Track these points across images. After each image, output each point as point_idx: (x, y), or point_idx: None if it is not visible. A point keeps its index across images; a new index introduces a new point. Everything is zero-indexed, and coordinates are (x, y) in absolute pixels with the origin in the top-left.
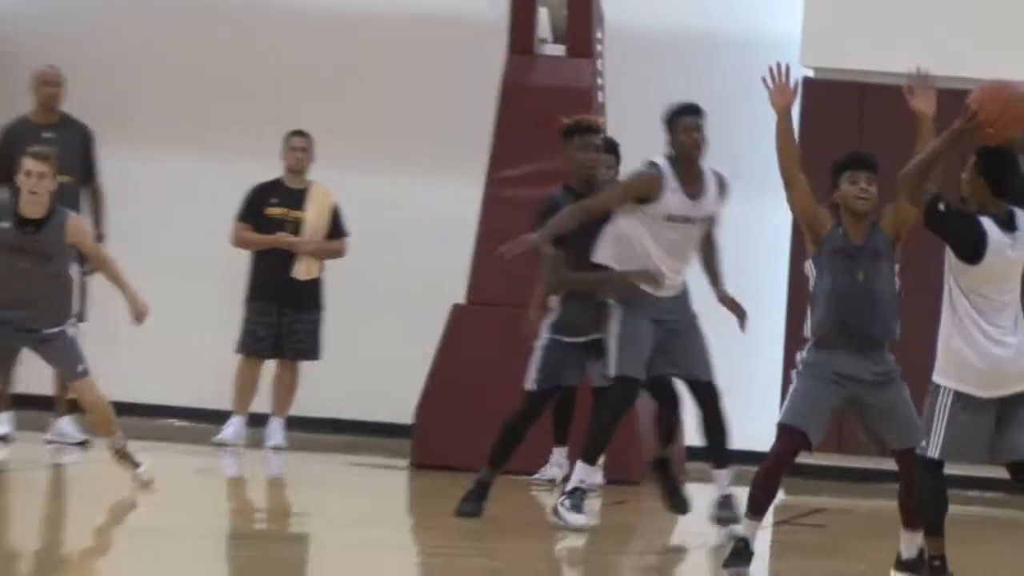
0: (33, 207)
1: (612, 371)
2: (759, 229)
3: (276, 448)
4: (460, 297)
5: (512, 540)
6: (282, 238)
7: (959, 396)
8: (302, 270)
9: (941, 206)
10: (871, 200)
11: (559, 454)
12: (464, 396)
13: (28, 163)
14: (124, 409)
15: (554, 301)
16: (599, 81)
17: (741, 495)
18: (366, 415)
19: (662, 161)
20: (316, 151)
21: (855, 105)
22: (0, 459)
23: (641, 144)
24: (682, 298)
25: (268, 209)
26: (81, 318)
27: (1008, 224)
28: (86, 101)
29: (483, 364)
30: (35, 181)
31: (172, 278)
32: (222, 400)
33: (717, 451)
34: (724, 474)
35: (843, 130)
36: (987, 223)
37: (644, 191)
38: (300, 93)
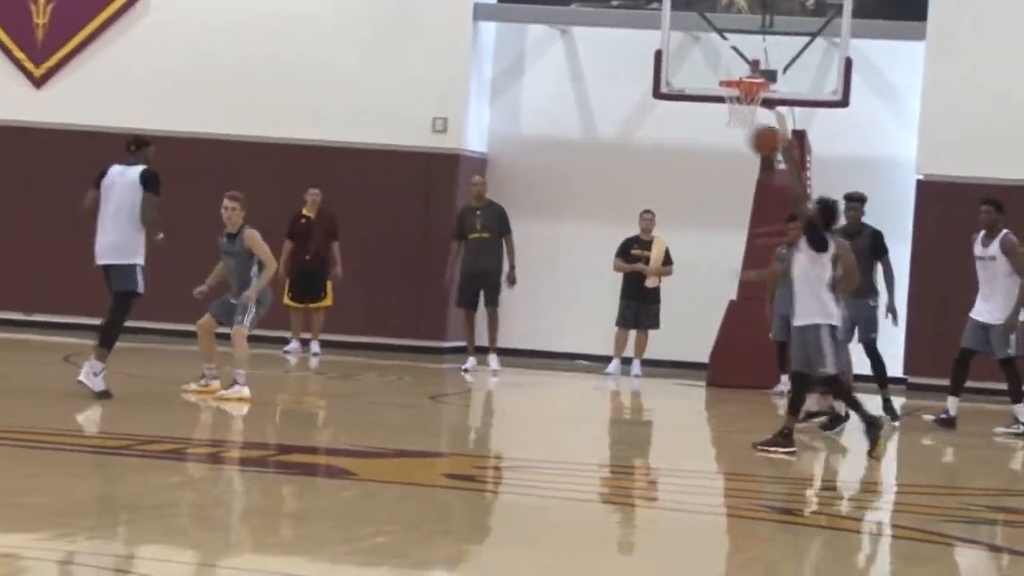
0: None
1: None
2: None
3: (637, 376)
4: (733, 295)
5: None
6: (638, 266)
7: None
8: (649, 282)
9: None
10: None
11: None
12: (737, 347)
13: None
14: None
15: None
16: (809, 183)
17: None
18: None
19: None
20: (660, 222)
21: (956, 200)
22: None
23: None
24: None
25: (632, 251)
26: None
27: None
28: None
29: (743, 334)
30: None
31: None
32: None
33: None
34: None
35: (947, 219)
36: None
37: None
38: (649, 189)
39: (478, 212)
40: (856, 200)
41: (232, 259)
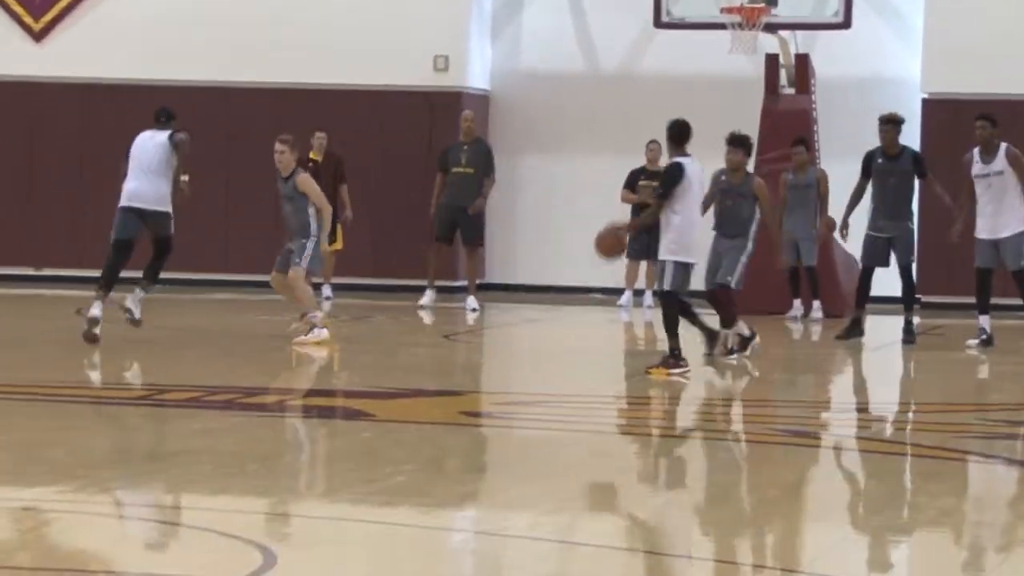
0: None
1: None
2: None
3: (649, 307)
4: None
5: None
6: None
7: None
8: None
9: None
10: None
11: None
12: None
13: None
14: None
15: None
16: (814, 106)
17: None
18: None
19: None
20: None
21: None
22: None
23: (840, 139)
24: None
25: (640, 181)
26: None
27: None
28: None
29: (753, 260)
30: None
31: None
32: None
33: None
34: None
35: (953, 136)
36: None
37: None
38: (654, 120)
39: (465, 147)
40: (888, 122)
41: (288, 203)
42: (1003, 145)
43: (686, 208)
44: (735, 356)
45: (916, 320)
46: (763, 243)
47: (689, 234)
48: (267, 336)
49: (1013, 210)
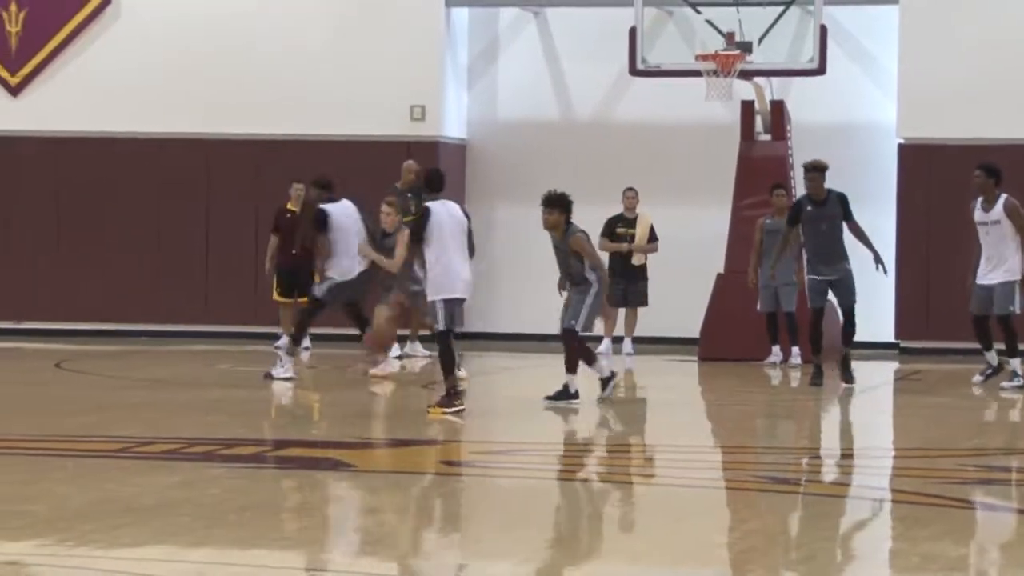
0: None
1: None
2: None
3: (629, 354)
4: (721, 269)
5: None
6: (623, 245)
7: None
8: (636, 259)
9: None
10: None
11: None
12: (727, 320)
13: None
14: None
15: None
16: (790, 153)
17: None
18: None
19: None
20: (643, 199)
21: (937, 162)
22: None
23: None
24: None
25: (617, 229)
26: None
27: None
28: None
29: (732, 307)
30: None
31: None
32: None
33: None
34: None
35: (929, 181)
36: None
37: None
38: (631, 167)
39: (408, 195)
40: (813, 169)
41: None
42: (1003, 196)
43: (441, 248)
44: (577, 400)
45: (889, 363)
46: (740, 290)
47: (447, 272)
48: (245, 387)
49: (1007, 259)
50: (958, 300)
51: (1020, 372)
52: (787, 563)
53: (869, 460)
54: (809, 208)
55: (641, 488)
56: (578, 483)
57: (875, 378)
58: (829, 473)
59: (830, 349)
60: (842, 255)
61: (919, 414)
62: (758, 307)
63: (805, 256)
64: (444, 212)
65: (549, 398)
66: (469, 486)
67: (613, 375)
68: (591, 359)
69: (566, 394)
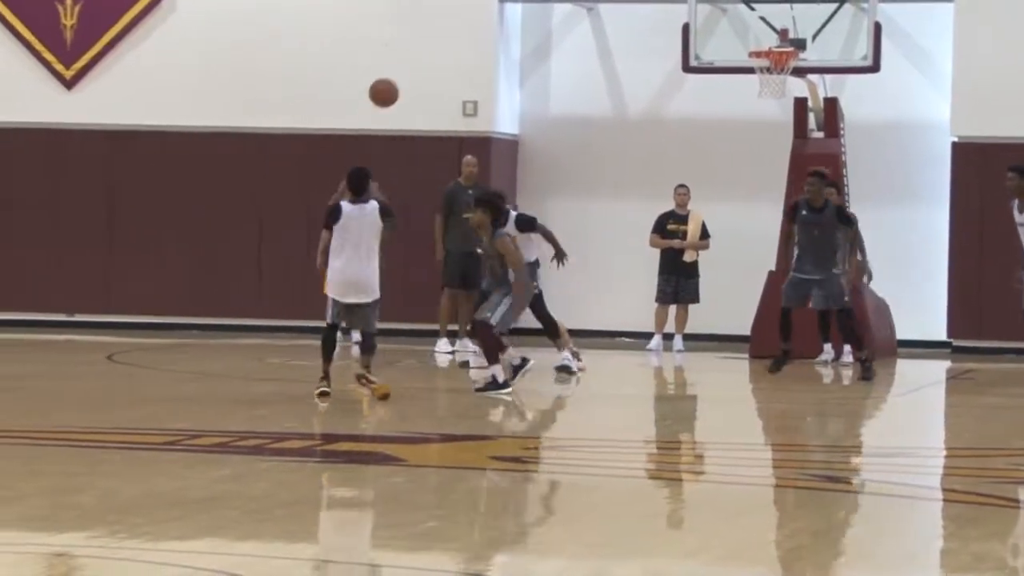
0: None
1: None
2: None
3: (680, 351)
4: (772, 266)
5: None
6: (675, 242)
7: None
8: (687, 256)
9: None
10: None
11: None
12: (778, 318)
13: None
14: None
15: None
16: (843, 150)
17: None
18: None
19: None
20: (694, 196)
21: (992, 160)
22: None
23: (869, 182)
24: None
25: (669, 226)
26: None
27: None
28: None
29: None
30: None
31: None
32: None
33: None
34: None
35: (983, 180)
36: None
37: None
38: (683, 163)
39: (469, 191)
40: (814, 175)
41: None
42: None
43: (344, 246)
44: (507, 389)
45: (942, 362)
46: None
47: (340, 274)
48: (295, 381)
49: None
50: (1011, 299)
51: None
52: (837, 562)
53: (920, 459)
54: (804, 212)
55: (691, 485)
56: (629, 479)
57: (927, 377)
58: (879, 472)
59: (880, 347)
60: (831, 261)
61: (971, 413)
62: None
63: (795, 253)
64: (353, 211)
65: (479, 390)
66: (520, 482)
67: (525, 361)
68: (502, 349)
69: (495, 385)
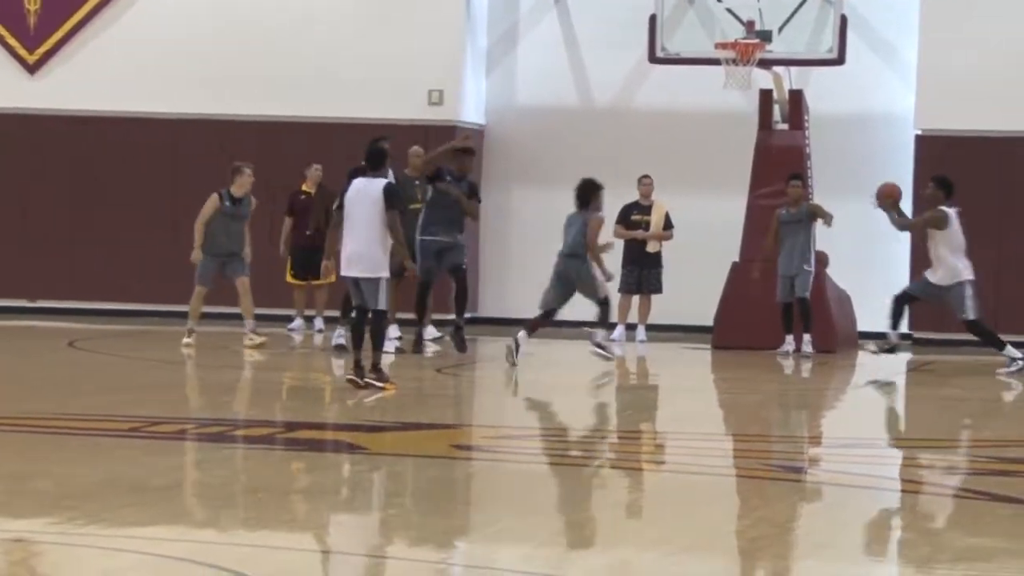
0: None
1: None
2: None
3: (642, 341)
4: (736, 257)
5: None
6: (638, 233)
7: None
8: (650, 247)
9: None
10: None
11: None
12: (741, 309)
13: None
14: None
15: None
16: (807, 142)
17: None
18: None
19: None
20: (660, 187)
21: (955, 153)
22: None
23: (833, 174)
24: None
25: (633, 216)
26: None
27: None
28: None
29: (746, 295)
30: None
31: None
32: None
33: None
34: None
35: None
36: None
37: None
38: (648, 154)
39: (416, 182)
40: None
41: None
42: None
43: (348, 220)
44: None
45: (903, 354)
46: (751, 278)
47: (344, 248)
48: (257, 368)
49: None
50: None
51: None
52: (797, 551)
53: (880, 450)
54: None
55: (653, 475)
56: (589, 469)
57: (888, 368)
58: (840, 462)
59: (841, 338)
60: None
61: (930, 405)
62: (777, 297)
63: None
64: (358, 187)
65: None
66: (480, 470)
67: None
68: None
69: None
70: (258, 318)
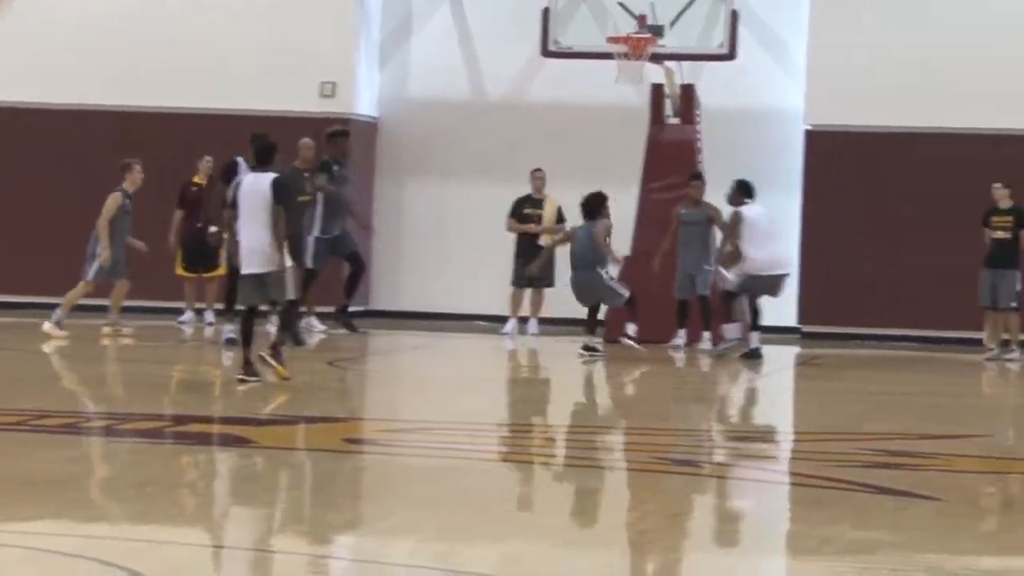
0: None
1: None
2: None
3: (533, 335)
4: (627, 251)
5: None
6: (530, 227)
7: None
8: (543, 240)
9: None
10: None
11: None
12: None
13: None
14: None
15: None
16: (699, 137)
17: None
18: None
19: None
20: (552, 181)
21: (844, 149)
22: None
23: (724, 169)
24: None
25: (525, 210)
26: None
27: None
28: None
29: (639, 289)
30: None
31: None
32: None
33: None
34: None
35: (835, 168)
36: None
37: None
38: (540, 148)
39: (305, 174)
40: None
41: None
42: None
43: (241, 216)
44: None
45: (791, 347)
46: (647, 272)
47: (243, 247)
48: (145, 361)
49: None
50: (861, 287)
51: None
52: (687, 544)
53: (768, 443)
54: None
55: (543, 468)
56: (482, 462)
57: (777, 362)
58: (730, 455)
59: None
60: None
61: (818, 398)
62: (675, 293)
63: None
64: (248, 182)
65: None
66: (372, 464)
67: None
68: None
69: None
70: (146, 311)
